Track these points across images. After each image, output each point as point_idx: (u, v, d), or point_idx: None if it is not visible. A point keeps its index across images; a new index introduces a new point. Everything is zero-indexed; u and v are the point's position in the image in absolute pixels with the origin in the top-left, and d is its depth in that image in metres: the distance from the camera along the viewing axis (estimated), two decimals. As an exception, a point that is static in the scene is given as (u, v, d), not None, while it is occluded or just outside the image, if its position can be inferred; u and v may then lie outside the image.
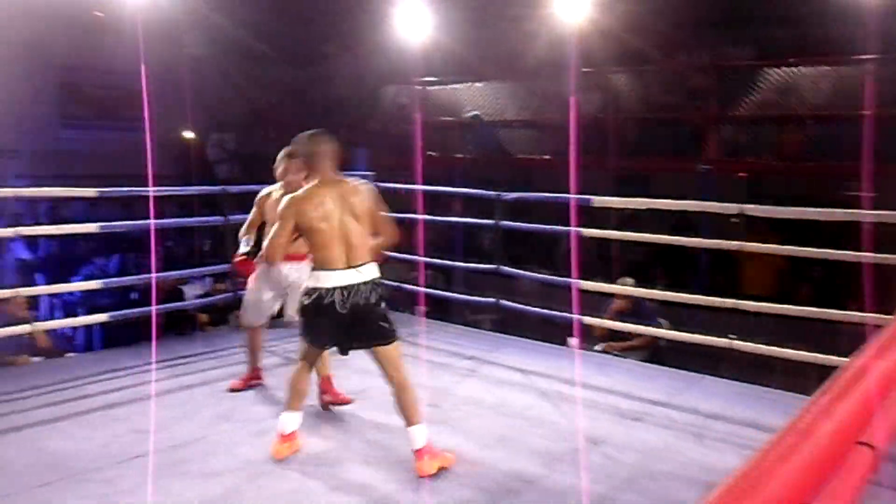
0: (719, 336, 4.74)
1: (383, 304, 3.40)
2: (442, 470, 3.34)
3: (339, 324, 3.34)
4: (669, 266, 8.15)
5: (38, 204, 10.55)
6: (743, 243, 4.88)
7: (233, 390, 4.55)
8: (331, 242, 3.33)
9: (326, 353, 3.86)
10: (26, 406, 4.18)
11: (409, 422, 3.37)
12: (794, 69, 7.56)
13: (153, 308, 5.42)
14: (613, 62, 8.83)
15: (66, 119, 11.96)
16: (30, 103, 11.05)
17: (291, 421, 3.56)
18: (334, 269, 3.33)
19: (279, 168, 4.46)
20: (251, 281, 4.50)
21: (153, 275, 6.05)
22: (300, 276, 4.25)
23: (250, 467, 3.44)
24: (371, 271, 3.40)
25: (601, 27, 7.63)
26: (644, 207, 6.08)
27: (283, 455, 3.51)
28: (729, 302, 4.77)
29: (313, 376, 3.65)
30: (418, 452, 3.35)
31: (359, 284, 3.32)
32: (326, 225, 3.32)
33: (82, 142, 11.58)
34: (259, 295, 4.46)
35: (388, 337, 3.39)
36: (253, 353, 4.62)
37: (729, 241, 4.98)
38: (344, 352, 3.53)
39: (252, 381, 4.63)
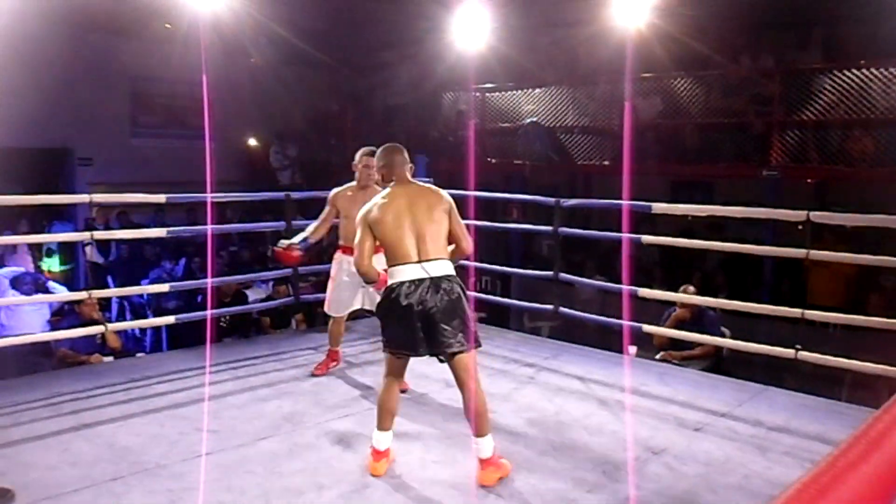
0: (784, 347, 4.62)
1: (460, 306, 3.26)
2: (500, 479, 3.34)
3: (410, 322, 3.24)
4: (733, 275, 7.98)
5: (109, 210, 10.94)
6: (815, 251, 4.70)
7: (314, 375, 4.88)
8: (402, 239, 3.30)
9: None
10: (99, 403, 4.33)
11: (478, 432, 3.31)
12: (863, 71, 7.31)
13: (209, 312, 5.68)
14: (674, 67, 8.72)
15: (136, 128, 12.41)
16: (103, 113, 11.52)
17: (384, 439, 3.47)
18: (405, 264, 3.29)
19: (359, 165, 4.64)
20: (332, 277, 4.79)
21: (209, 279, 6.29)
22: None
23: (312, 467, 3.50)
24: (444, 268, 3.31)
25: (661, 32, 7.55)
26: (705, 214, 5.97)
27: (381, 472, 3.43)
28: (795, 311, 4.64)
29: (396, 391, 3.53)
30: (484, 462, 3.32)
31: (429, 280, 3.24)
32: (396, 222, 3.31)
33: (151, 149, 12.00)
34: (339, 290, 4.74)
35: (461, 344, 3.24)
36: (333, 339, 4.94)
37: (797, 250, 4.84)
38: (417, 354, 3.37)
39: (332, 363, 4.97)
